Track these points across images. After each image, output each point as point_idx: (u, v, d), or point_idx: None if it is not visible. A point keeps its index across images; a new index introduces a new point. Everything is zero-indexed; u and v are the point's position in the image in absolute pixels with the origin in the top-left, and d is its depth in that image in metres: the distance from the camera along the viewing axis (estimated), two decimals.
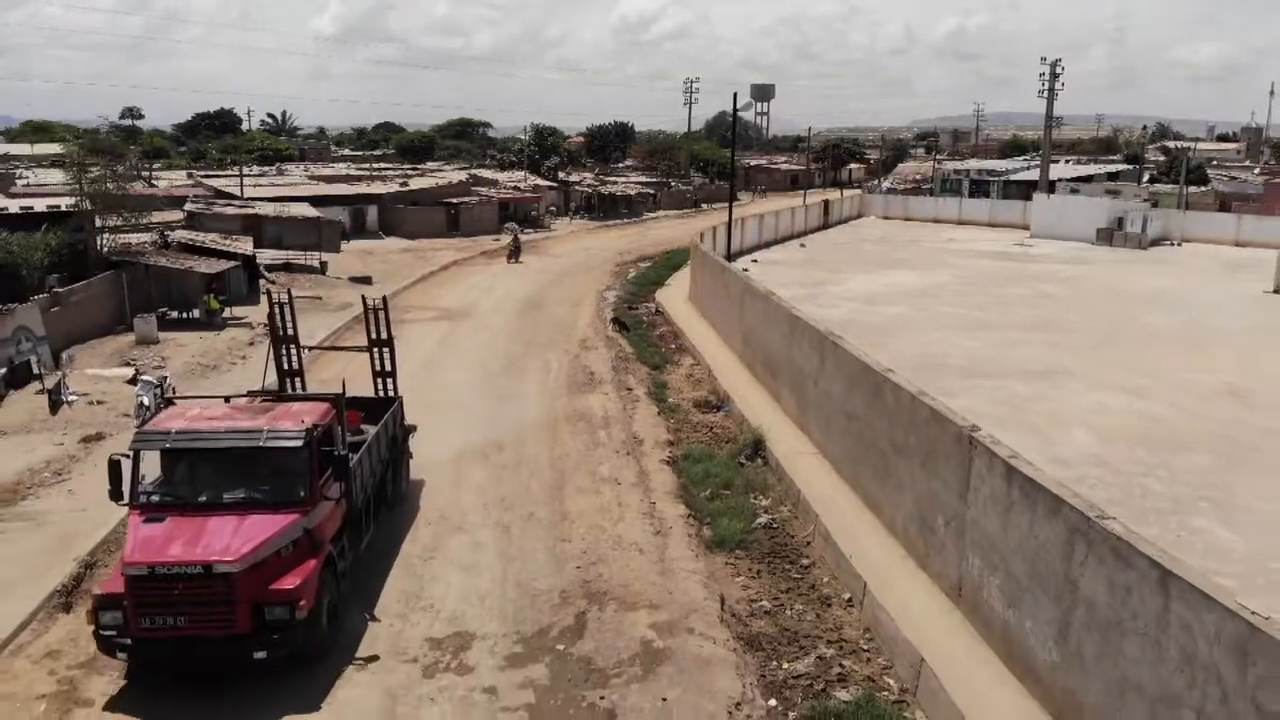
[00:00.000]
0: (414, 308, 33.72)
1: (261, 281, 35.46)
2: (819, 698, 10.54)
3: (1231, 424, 18.80)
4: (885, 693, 10.70)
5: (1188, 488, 15.28)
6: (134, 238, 31.18)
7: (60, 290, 25.36)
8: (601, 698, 10.19)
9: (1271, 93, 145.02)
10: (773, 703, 10.43)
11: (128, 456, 11.02)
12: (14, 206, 31.43)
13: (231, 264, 31.58)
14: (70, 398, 20.59)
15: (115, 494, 11.05)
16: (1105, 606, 8.74)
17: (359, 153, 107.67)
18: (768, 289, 23.39)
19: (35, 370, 22.27)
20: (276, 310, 15.63)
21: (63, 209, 30.90)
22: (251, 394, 13.90)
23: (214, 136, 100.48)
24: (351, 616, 11.85)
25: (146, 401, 19.44)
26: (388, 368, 16.22)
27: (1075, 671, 9.23)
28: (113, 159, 32.21)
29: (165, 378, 20.82)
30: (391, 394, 16.26)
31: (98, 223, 29.67)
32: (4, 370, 21.29)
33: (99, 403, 20.78)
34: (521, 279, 40.94)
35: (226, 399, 12.63)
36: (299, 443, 11.05)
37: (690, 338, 28.82)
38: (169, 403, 12.67)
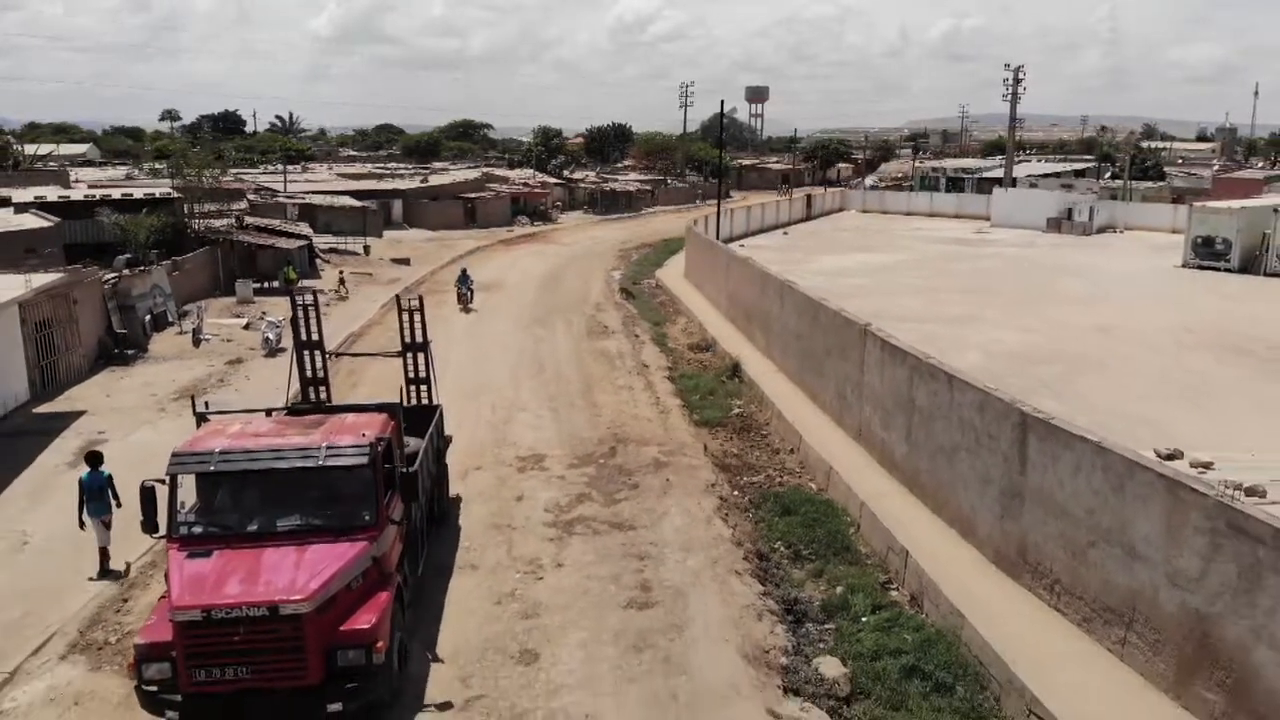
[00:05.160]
0: (452, 282, 39.80)
1: (318, 260, 41.65)
2: (765, 490, 16.67)
3: (1090, 348, 24.98)
4: (808, 490, 16.83)
5: (1038, 384, 21.34)
6: (216, 221, 37.37)
7: (178, 259, 31.48)
8: (630, 478, 16.45)
9: (1256, 94, 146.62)
10: (735, 492, 16.54)
11: (162, 482, 9.80)
12: (116, 193, 37.48)
13: (302, 243, 37.74)
14: (206, 336, 26.70)
15: (149, 525, 9.76)
16: (926, 408, 14.86)
17: (365, 153, 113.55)
18: (747, 255, 29.52)
19: (169, 319, 28.35)
20: (300, 312, 13.96)
21: (158, 196, 37.08)
22: (293, 407, 13.02)
23: (222, 137, 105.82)
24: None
25: (271, 336, 25.64)
26: (423, 374, 15.32)
27: (915, 454, 15.34)
28: (213, 157, 38.43)
29: (283, 318, 26.87)
30: (428, 402, 15.32)
31: (194, 208, 35.88)
32: (149, 317, 27.33)
33: (228, 340, 26.96)
34: (538, 262, 47.03)
35: (268, 412, 12.06)
36: (363, 460, 10.03)
37: (685, 303, 34.91)
38: (203, 419, 11.37)
